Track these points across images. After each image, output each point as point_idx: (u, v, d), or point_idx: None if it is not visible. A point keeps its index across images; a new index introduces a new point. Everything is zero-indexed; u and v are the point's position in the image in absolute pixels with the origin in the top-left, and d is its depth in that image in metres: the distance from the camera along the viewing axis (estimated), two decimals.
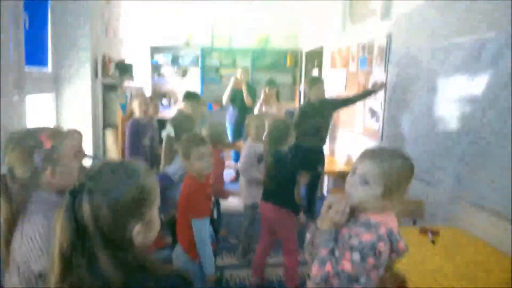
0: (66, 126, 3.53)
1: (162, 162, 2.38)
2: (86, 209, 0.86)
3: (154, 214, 0.98)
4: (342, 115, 4.74)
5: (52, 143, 1.25)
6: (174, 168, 2.13)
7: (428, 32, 2.98)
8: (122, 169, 0.93)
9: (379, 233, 1.29)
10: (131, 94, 3.65)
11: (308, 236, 1.47)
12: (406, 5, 3.30)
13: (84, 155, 2.36)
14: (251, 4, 6.51)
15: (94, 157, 2.42)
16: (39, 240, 1.14)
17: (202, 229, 2.06)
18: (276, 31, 6.93)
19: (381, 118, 3.74)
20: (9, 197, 1.18)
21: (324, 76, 5.53)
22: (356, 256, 1.28)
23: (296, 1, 6.36)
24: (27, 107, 2.93)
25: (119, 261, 0.86)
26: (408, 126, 3.24)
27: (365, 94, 3.81)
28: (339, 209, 1.34)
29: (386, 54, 3.62)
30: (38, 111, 3.32)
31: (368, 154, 1.37)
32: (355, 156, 2.43)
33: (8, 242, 1.19)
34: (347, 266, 1.28)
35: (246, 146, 3.26)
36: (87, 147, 3.62)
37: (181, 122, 2.53)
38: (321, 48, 5.68)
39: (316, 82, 4.08)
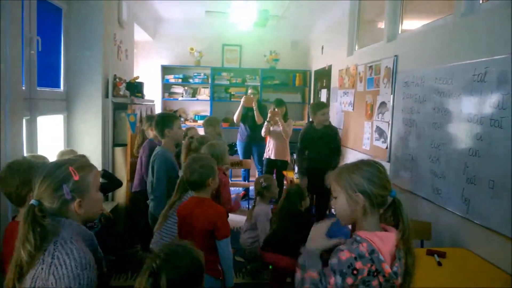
0: (77, 145, 3.67)
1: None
2: (163, 282, 1.18)
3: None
4: (351, 134, 4.74)
5: (80, 175, 1.28)
6: None
7: (433, 54, 3.00)
8: (185, 250, 1.29)
9: (359, 251, 1.25)
10: (140, 113, 3.66)
11: (300, 259, 1.40)
12: (412, 26, 3.33)
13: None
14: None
15: (103, 174, 2.45)
16: (73, 267, 1.14)
17: (228, 246, 2.16)
18: (285, 52, 7.03)
19: (388, 138, 3.73)
20: (37, 227, 1.18)
21: (332, 95, 5.57)
22: (338, 278, 1.23)
23: (305, 23, 6.46)
24: (39, 128, 3.01)
25: None
26: (415, 147, 3.22)
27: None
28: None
29: (392, 74, 3.64)
30: (49, 132, 3.39)
31: (332, 173, 1.44)
32: None
33: (21, 274, 1.17)
34: None
35: (258, 209, 3.43)
36: (97, 165, 3.68)
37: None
38: (330, 67, 5.73)
39: (320, 108, 4.10)
